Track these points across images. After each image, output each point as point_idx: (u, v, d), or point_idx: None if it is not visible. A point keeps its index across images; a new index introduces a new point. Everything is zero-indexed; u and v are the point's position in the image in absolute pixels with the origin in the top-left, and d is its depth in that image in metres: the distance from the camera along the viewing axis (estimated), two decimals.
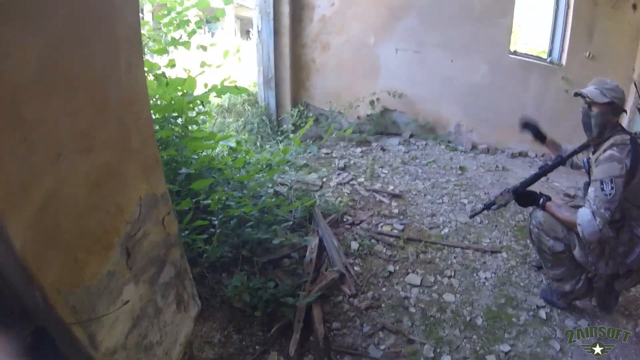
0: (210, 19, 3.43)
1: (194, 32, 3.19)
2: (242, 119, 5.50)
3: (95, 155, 1.22)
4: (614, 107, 2.54)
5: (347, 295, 2.63)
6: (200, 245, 2.44)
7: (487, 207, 2.92)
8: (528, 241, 3.58)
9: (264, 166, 3.80)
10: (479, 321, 2.70)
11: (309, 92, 5.73)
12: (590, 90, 2.56)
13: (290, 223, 3.13)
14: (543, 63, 6.25)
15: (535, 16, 10.18)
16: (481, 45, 5.82)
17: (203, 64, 3.06)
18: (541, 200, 2.72)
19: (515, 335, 2.67)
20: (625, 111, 2.64)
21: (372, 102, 5.67)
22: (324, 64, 5.66)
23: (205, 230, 2.50)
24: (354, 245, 3.17)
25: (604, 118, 2.55)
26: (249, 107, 5.71)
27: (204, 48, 3.29)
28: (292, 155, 4.57)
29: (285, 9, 5.35)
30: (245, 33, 14.06)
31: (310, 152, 4.87)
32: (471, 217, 3.35)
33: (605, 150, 2.50)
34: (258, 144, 5.07)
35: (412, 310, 2.67)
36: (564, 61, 6.13)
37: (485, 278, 3.12)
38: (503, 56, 5.94)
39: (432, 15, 5.63)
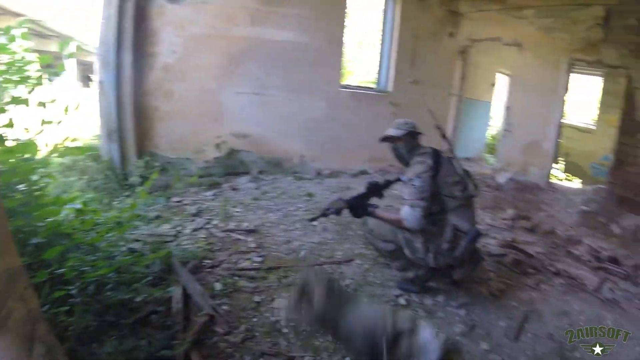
0: (50, 74, 3.20)
1: (33, 88, 2.95)
2: (86, 176, 5.12)
3: None
4: (412, 134, 3.23)
5: (221, 334, 2.65)
6: (63, 319, 2.28)
7: (324, 213, 3.23)
8: None
9: (115, 224, 3.63)
10: None
11: (154, 141, 5.60)
12: (390, 131, 3.24)
13: (150, 278, 3.03)
14: (372, 92, 7.27)
15: (364, 51, 11.55)
16: (317, 83, 6.46)
17: (43, 123, 2.83)
18: (369, 209, 3.18)
19: None
20: (421, 132, 3.29)
21: (218, 145, 5.82)
22: (167, 112, 5.61)
23: (65, 301, 2.34)
24: (218, 286, 3.19)
25: (408, 145, 3.24)
26: (92, 163, 5.34)
27: (44, 105, 3.08)
28: (143, 209, 4.41)
29: (128, 59, 5.23)
30: (86, 78, 13.03)
31: (159, 203, 4.73)
32: (310, 220, 3.61)
33: (412, 162, 3.11)
34: (106, 201, 4.72)
35: (285, 330, 2.80)
36: (390, 88, 7.26)
37: (345, 285, 3.40)
38: (336, 91, 6.68)
39: (270, 61, 6.05)
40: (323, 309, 2.44)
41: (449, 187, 3.06)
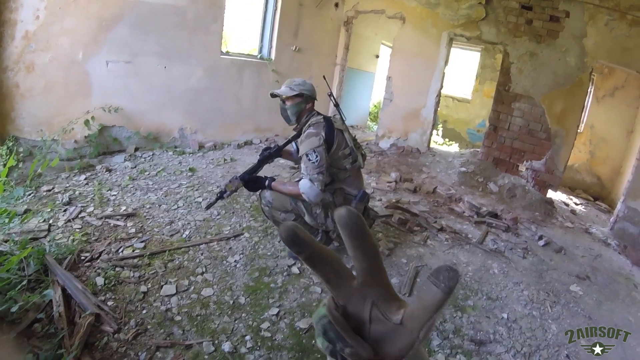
0: None
1: None
2: None
3: None
4: (305, 97, 3.34)
5: (111, 334, 2.61)
6: None
7: (220, 196, 3.40)
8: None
9: None
10: (242, 300, 3.12)
11: (16, 123, 5.03)
12: (281, 89, 3.33)
13: (25, 283, 2.82)
14: (254, 60, 7.37)
15: (247, 18, 11.53)
16: (195, 50, 6.35)
17: None
18: (267, 182, 3.38)
19: (279, 297, 3.20)
20: (316, 98, 3.43)
21: (87, 122, 5.44)
22: (29, 89, 5.04)
23: None
24: (100, 280, 3.08)
25: (297, 108, 3.36)
26: None
27: None
28: (10, 203, 4.10)
29: None
30: None
31: (20, 195, 4.33)
32: (206, 208, 3.66)
33: (305, 132, 3.28)
34: None
35: (178, 318, 2.83)
36: (273, 56, 7.46)
37: (235, 261, 3.59)
38: (216, 58, 6.67)
39: (144, 24, 5.76)
40: None
41: (340, 160, 3.37)
